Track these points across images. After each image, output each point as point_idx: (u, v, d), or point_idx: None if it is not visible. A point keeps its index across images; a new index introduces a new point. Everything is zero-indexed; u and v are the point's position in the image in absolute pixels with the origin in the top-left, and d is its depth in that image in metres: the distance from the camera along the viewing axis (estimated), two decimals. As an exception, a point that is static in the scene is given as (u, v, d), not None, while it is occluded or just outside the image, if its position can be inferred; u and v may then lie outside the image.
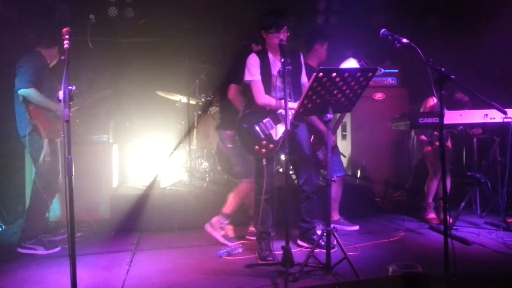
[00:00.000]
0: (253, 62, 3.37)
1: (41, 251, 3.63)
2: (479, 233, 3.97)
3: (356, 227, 4.23)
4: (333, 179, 3.11)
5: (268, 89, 3.38)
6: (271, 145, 3.30)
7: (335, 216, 4.23)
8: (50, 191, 3.75)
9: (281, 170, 4.29)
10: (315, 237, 3.58)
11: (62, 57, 2.46)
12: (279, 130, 3.31)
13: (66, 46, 2.50)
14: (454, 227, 4.04)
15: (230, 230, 3.91)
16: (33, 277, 3.15)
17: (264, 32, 3.34)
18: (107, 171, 4.70)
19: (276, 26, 3.25)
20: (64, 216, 4.23)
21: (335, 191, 4.14)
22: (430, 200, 4.49)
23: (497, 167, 4.35)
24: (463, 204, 4.12)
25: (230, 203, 3.86)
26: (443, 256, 2.63)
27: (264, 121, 3.33)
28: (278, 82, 3.37)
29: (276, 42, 3.24)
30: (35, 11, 4.65)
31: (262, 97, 3.33)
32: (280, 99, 3.30)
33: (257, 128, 3.31)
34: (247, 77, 3.38)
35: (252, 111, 3.38)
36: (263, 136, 3.31)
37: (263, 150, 3.30)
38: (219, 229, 3.83)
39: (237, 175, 4.09)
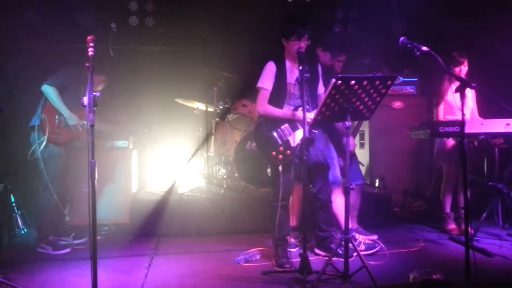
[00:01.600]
0: (268, 71, 3.43)
1: (50, 250, 3.80)
2: (501, 245, 3.88)
3: (375, 237, 4.18)
4: (351, 187, 3.09)
5: (282, 97, 3.42)
6: (288, 151, 3.32)
7: (354, 224, 4.19)
8: (58, 194, 3.85)
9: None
10: (332, 245, 3.55)
11: (87, 64, 2.54)
12: (297, 137, 3.33)
13: (90, 53, 2.57)
14: (475, 238, 3.95)
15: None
16: (53, 278, 3.23)
17: (285, 39, 3.37)
18: (127, 176, 4.77)
19: (298, 34, 3.28)
20: (83, 220, 4.30)
21: (354, 199, 4.08)
22: (448, 210, 4.41)
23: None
24: (484, 214, 4.05)
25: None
26: (464, 266, 2.59)
27: (282, 127, 3.36)
28: (296, 90, 3.40)
29: (295, 50, 3.25)
30: (59, 18, 4.80)
31: (263, 106, 3.40)
32: (297, 107, 3.33)
33: (274, 134, 3.35)
34: (259, 83, 3.45)
35: (271, 119, 3.41)
36: (280, 142, 3.34)
37: (280, 156, 3.32)
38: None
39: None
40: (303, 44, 3.28)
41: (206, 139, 5.43)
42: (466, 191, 2.78)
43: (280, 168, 3.31)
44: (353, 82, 2.84)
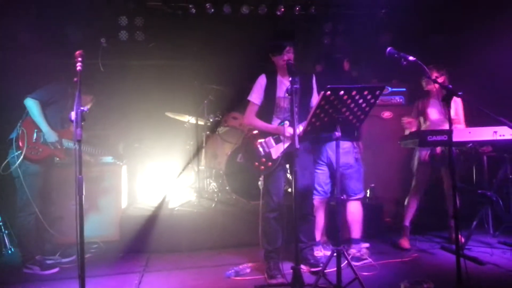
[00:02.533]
0: (259, 85, 3.54)
1: (37, 271, 3.69)
2: (492, 253, 3.90)
3: (367, 245, 4.19)
4: (343, 197, 3.09)
5: (271, 111, 3.50)
6: (270, 163, 3.41)
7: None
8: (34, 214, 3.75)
9: (289, 190, 4.29)
10: (309, 256, 3.56)
11: (75, 79, 2.52)
12: (278, 149, 3.42)
13: (79, 68, 2.56)
14: (466, 247, 3.97)
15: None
16: (41, 298, 3.15)
17: (271, 55, 3.51)
18: (116, 192, 4.72)
19: (278, 48, 3.41)
20: (72, 238, 4.23)
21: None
22: (407, 223, 4.27)
23: (509, 185, 4.29)
24: (475, 223, 4.07)
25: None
26: (456, 275, 2.58)
27: (266, 139, 3.45)
28: (285, 104, 3.45)
29: (282, 64, 3.36)
30: (48, 34, 4.78)
31: (249, 119, 3.55)
32: (284, 120, 3.43)
33: (258, 145, 3.44)
34: (249, 96, 3.56)
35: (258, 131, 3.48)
36: (262, 153, 3.43)
37: (262, 167, 3.42)
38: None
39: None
40: (287, 56, 3.38)
41: (197, 153, 5.41)
42: (455, 200, 2.79)
43: (260, 178, 3.43)
44: (342, 92, 2.86)
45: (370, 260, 3.70)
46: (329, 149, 3.82)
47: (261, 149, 3.44)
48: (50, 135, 3.78)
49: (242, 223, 4.41)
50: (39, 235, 3.87)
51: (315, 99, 3.57)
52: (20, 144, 3.68)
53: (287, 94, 3.18)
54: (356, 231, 3.90)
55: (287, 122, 3.41)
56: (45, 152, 3.80)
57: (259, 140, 3.45)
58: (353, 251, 3.84)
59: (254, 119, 3.53)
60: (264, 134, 3.46)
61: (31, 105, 3.71)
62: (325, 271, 3.03)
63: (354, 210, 3.91)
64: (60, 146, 3.87)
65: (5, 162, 3.71)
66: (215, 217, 4.45)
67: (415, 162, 4.37)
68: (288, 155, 3.32)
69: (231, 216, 4.50)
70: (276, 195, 3.45)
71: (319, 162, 3.88)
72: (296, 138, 2.94)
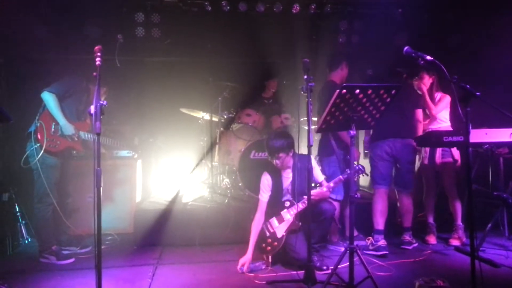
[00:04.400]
0: (266, 185, 3.73)
1: (54, 260, 3.78)
2: (507, 255, 3.84)
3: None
4: (356, 196, 3.09)
5: (280, 198, 3.70)
6: (276, 243, 3.60)
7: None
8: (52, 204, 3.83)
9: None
10: (315, 258, 3.59)
11: (94, 74, 2.56)
12: (281, 229, 3.61)
13: (98, 63, 2.60)
14: (481, 249, 3.93)
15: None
16: (57, 288, 3.23)
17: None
18: (131, 186, 4.79)
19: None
20: (88, 229, 4.31)
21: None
22: (431, 220, 4.42)
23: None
24: (489, 225, 4.01)
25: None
26: (470, 277, 2.56)
27: (270, 220, 3.66)
28: (290, 190, 3.71)
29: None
30: (66, 30, 4.86)
31: (256, 217, 3.70)
32: (285, 201, 3.69)
33: (263, 227, 3.66)
34: (259, 195, 3.76)
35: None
36: (268, 234, 3.64)
37: (268, 247, 3.61)
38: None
39: None
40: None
41: (211, 149, 5.45)
42: (471, 202, 2.76)
43: (269, 258, 3.59)
44: (357, 91, 2.86)
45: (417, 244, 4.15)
46: (392, 145, 4.05)
47: (265, 230, 3.65)
48: (67, 128, 3.85)
49: (255, 220, 4.44)
50: (56, 226, 3.94)
51: (316, 176, 3.74)
52: (39, 137, 3.75)
53: (302, 92, 3.20)
54: (409, 220, 4.18)
55: (287, 203, 3.65)
56: (62, 145, 3.87)
57: (264, 222, 3.67)
58: (407, 238, 4.14)
59: (255, 226, 3.66)
60: (268, 214, 3.67)
61: (48, 98, 3.77)
62: (339, 266, 3.04)
63: (408, 202, 4.16)
64: (78, 139, 3.93)
65: (25, 155, 3.79)
66: (228, 212, 4.48)
67: (418, 164, 4.44)
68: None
69: (243, 212, 4.52)
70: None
71: (382, 156, 4.08)
72: (311, 135, 2.97)
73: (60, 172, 3.93)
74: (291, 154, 3.63)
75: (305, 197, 3.29)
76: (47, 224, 3.85)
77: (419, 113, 4.19)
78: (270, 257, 3.59)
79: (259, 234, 3.62)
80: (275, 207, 3.69)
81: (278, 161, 3.62)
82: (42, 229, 3.87)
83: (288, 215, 3.60)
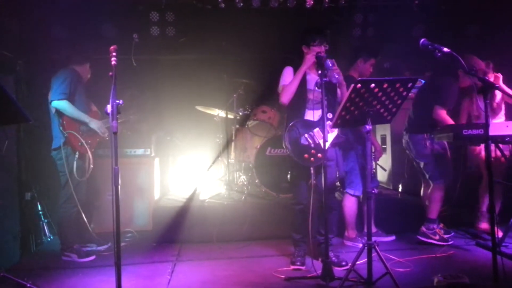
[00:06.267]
0: (287, 73, 3.57)
1: (75, 258, 3.84)
2: (531, 251, 3.75)
3: (393, 237, 4.24)
4: (374, 191, 3.06)
5: (303, 103, 3.49)
6: (320, 154, 3.38)
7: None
8: (81, 201, 3.88)
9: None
10: (331, 254, 3.53)
11: (110, 73, 2.60)
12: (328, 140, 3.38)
13: (113, 63, 2.64)
14: (503, 244, 3.83)
15: (441, 231, 4.10)
16: (79, 284, 3.30)
17: (306, 46, 3.51)
18: (149, 183, 4.85)
19: (309, 39, 3.46)
20: (107, 227, 4.39)
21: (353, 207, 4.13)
22: (484, 208, 4.29)
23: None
24: (512, 220, 3.92)
25: (433, 208, 4.10)
26: (492, 272, 2.51)
27: (315, 130, 3.43)
28: (315, 96, 3.46)
29: (315, 55, 3.35)
30: (83, 30, 4.93)
31: (284, 97, 3.50)
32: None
33: (306, 136, 3.41)
34: (281, 83, 3.56)
35: (300, 121, 3.46)
36: (313, 145, 3.40)
37: (312, 158, 3.39)
38: (432, 235, 4.06)
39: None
40: (324, 49, 3.38)
41: (227, 146, 5.48)
42: (492, 195, 2.71)
43: (311, 170, 3.38)
44: (373, 85, 2.82)
45: (435, 240, 4.06)
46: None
47: (310, 141, 3.41)
48: (93, 122, 3.88)
49: (271, 216, 4.45)
50: (79, 225, 3.98)
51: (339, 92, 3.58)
52: (75, 145, 3.77)
53: (316, 88, 3.18)
54: (433, 211, 4.12)
55: (330, 114, 3.39)
56: (94, 142, 3.95)
57: (305, 134, 3.41)
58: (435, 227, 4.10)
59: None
60: (308, 125, 3.44)
61: (63, 105, 3.72)
62: (357, 262, 3.00)
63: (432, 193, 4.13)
64: (104, 130, 3.97)
65: (74, 166, 3.76)
66: (245, 209, 4.50)
67: None
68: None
69: (260, 209, 4.53)
70: (302, 189, 3.53)
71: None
72: (326, 132, 2.95)
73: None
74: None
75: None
76: (71, 225, 3.91)
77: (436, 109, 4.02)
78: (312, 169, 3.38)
79: (301, 145, 3.39)
80: (299, 111, 3.51)
81: (318, 48, 3.42)
82: (66, 229, 3.92)
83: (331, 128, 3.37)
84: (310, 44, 3.48)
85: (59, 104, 3.73)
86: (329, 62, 3.18)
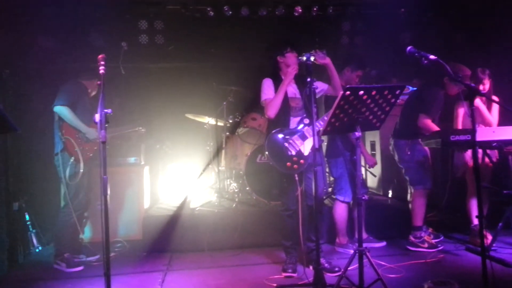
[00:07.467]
0: (267, 85, 3.64)
1: (64, 268, 3.81)
2: (520, 255, 3.80)
3: (384, 243, 4.25)
4: (364, 197, 3.07)
5: (287, 111, 3.54)
6: (302, 161, 3.41)
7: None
8: (78, 211, 3.90)
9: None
10: (323, 260, 3.52)
11: (98, 82, 2.59)
12: (307, 146, 3.44)
13: (102, 71, 2.63)
14: (492, 248, 3.88)
15: (430, 237, 4.14)
16: (68, 296, 3.25)
17: (281, 55, 3.62)
18: (139, 192, 4.80)
19: (290, 47, 3.57)
20: (96, 237, 4.34)
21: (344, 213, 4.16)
22: (475, 222, 4.23)
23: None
24: (500, 224, 3.96)
25: (416, 215, 4.13)
26: (482, 277, 2.53)
27: (293, 137, 3.45)
28: (296, 104, 3.56)
29: (286, 67, 3.52)
30: (71, 39, 4.91)
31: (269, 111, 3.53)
32: (302, 118, 3.51)
33: (286, 145, 3.43)
34: (262, 98, 3.61)
35: (278, 130, 3.48)
36: (294, 152, 3.42)
37: (295, 165, 3.41)
38: (421, 243, 4.07)
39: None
40: (293, 60, 3.50)
41: (217, 153, 5.46)
42: (480, 200, 2.74)
43: (296, 177, 3.40)
44: (362, 92, 2.84)
45: (424, 249, 4.06)
46: None
47: (290, 149, 3.43)
48: (90, 132, 3.90)
49: (263, 224, 4.44)
50: (73, 233, 3.96)
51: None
52: (72, 151, 3.81)
53: (305, 94, 3.20)
54: (417, 219, 4.15)
55: (307, 120, 3.49)
56: (91, 150, 3.95)
57: (285, 143, 3.43)
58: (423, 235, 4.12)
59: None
60: (287, 132, 3.47)
61: (63, 111, 3.80)
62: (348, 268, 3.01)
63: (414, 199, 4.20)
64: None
65: (68, 172, 3.80)
66: (236, 217, 4.48)
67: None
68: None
69: (251, 216, 4.52)
70: (291, 195, 3.53)
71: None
72: (316, 139, 2.97)
73: (87, 179, 3.98)
74: None
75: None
76: (67, 230, 3.90)
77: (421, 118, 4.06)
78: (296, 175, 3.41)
79: (282, 154, 3.40)
80: (284, 120, 3.54)
81: (289, 60, 3.53)
82: (61, 234, 3.91)
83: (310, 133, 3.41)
84: (283, 53, 3.59)
85: (60, 109, 3.81)
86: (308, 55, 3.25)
